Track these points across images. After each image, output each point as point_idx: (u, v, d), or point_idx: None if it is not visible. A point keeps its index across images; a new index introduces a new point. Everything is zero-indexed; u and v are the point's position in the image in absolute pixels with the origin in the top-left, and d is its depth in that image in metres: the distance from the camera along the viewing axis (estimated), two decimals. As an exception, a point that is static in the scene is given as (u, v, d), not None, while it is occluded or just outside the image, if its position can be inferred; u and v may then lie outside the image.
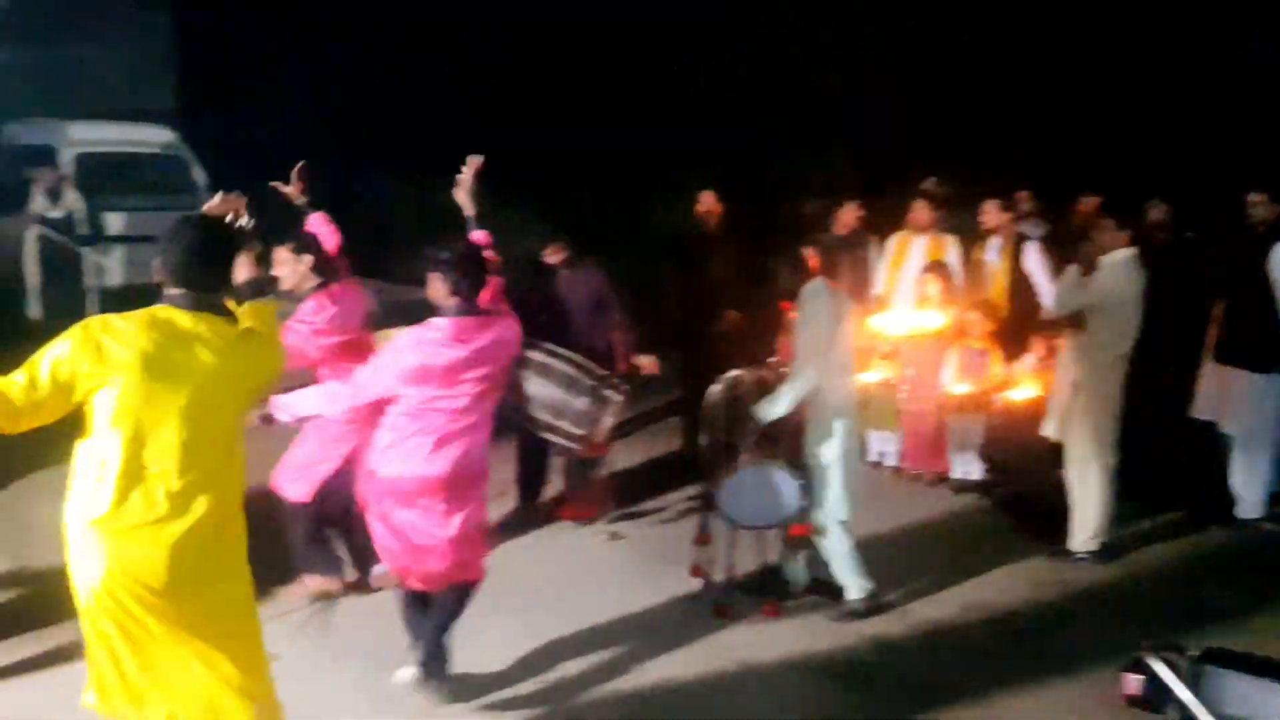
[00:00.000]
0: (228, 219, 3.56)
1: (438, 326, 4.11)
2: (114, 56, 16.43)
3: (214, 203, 3.59)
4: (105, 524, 3.04)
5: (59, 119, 11.33)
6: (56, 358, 2.99)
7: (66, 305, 7.88)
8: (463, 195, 4.68)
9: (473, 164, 4.68)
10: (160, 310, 3.15)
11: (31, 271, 8.17)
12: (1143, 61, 12.37)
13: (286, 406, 4.18)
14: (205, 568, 3.15)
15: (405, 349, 4.08)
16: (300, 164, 5.30)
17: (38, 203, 8.28)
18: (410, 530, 4.19)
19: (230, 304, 3.34)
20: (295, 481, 5.10)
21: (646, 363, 6.50)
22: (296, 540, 5.26)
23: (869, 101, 14.28)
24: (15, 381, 2.97)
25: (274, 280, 4.18)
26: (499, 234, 4.63)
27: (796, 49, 14.52)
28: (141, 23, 17.26)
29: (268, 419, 4.18)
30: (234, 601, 3.30)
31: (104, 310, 3.23)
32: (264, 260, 3.78)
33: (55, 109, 12.28)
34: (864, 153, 12.28)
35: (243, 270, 3.53)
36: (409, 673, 4.37)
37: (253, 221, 3.65)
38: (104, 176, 10.28)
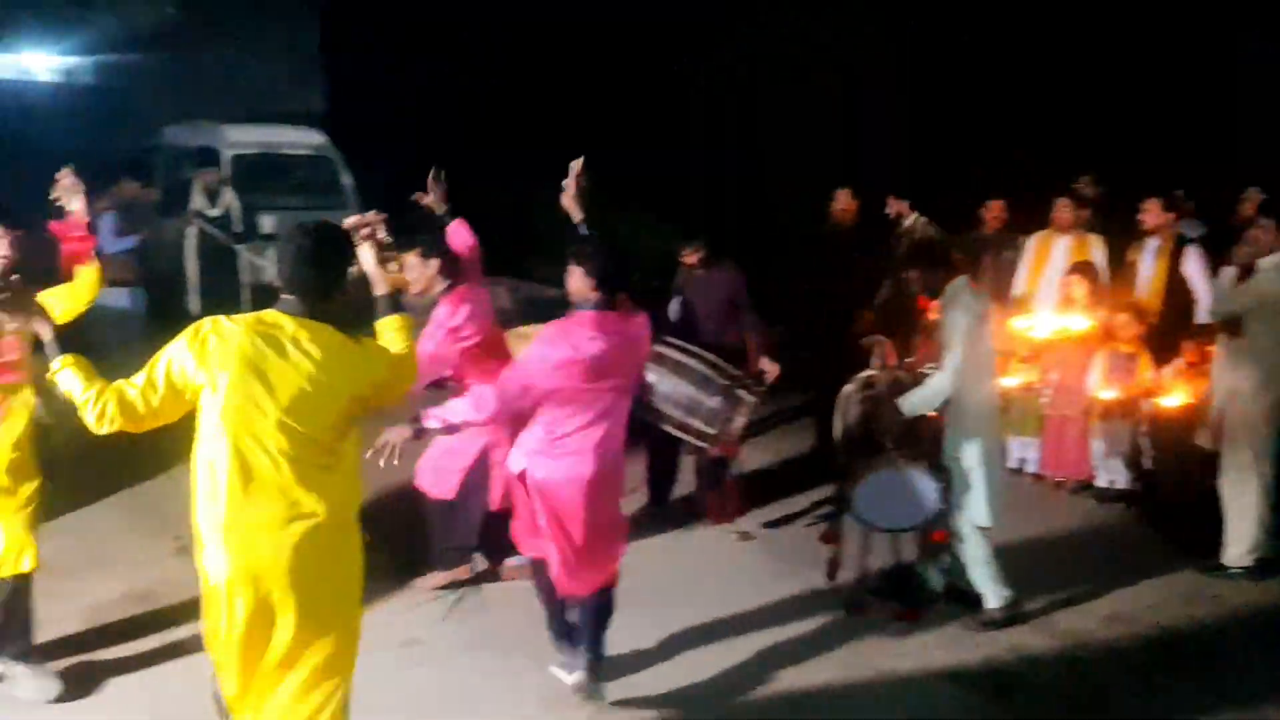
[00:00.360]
0: (362, 231, 3.59)
1: (581, 320, 4.15)
2: (266, 61, 17.14)
3: (351, 221, 3.61)
4: (219, 527, 3.10)
5: (217, 121, 11.88)
6: (169, 359, 3.09)
7: (223, 300, 8.24)
8: (568, 201, 4.68)
9: (574, 169, 4.67)
10: (268, 314, 3.19)
11: (191, 267, 8.59)
12: (1142, 60, 12.13)
13: (438, 416, 4.20)
14: (311, 576, 3.15)
15: (550, 342, 4.10)
16: (435, 171, 5.38)
17: (197, 201, 8.69)
18: (554, 530, 4.23)
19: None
20: (437, 479, 5.23)
21: (770, 367, 6.45)
22: (433, 535, 5.40)
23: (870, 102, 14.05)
24: (135, 384, 3.08)
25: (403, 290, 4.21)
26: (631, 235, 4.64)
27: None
28: (292, 30, 17.95)
29: (420, 433, 4.24)
30: (338, 613, 3.27)
31: (256, 305, 3.33)
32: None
33: (213, 112, 12.88)
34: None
35: (379, 284, 3.56)
36: (578, 677, 4.38)
37: (390, 239, 3.68)
38: (258, 177, 10.75)
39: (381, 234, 3.66)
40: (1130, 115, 11.98)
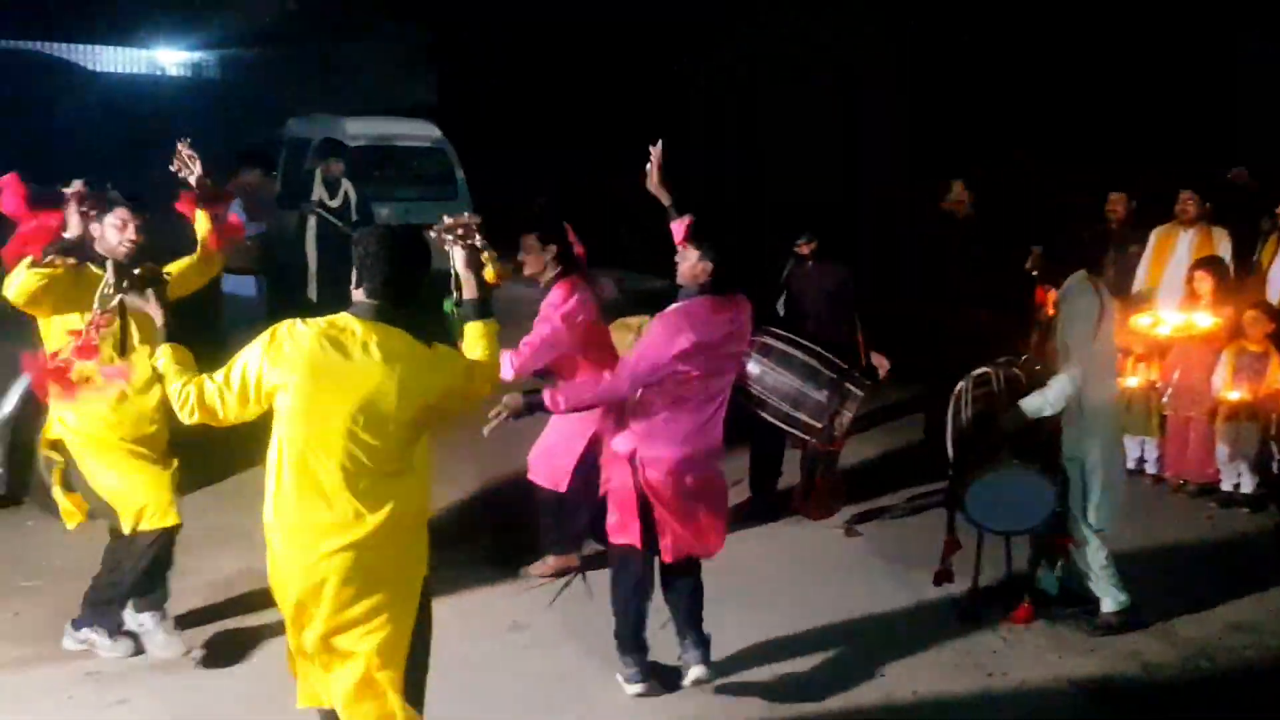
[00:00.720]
0: (458, 232, 3.55)
1: (699, 304, 4.16)
2: (379, 56, 17.53)
3: (448, 223, 3.58)
4: (275, 525, 3.16)
5: (336, 114, 12.19)
6: (245, 363, 3.13)
7: (341, 289, 8.43)
8: (653, 185, 4.61)
9: (655, 154, 4.60)
10: (340, 318, 3.17)
11: (312, 257, 8.80)
12: (1142, 60, 11.93)
13: (563, 398, 4.22)
14: (363, 581, 3.15)
15: (672, 326, 4.12)
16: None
17: (318, 192, 8.91)
18: (663, 510, 4.24)
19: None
20: (549, 471, 5.29)
21: (881, 361, 6.37)
22: (547, 523, 5.46)
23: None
24: (216, 379, 3.15)
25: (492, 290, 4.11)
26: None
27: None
28: (405, 25, 18.32)
29: (534, 408, 4.21)
30: (392, 617, 3.23)
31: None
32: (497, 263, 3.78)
33: (332, 104, 13.24)
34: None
35: (469, 288, 3.52)
36: (700, 671, 4.35)
37: (485, 243, 3.62)
38: (375, 168, 11.01)
39: (475, 238, 3.58)
40: (1130, 115, 11.84)
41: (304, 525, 3.12)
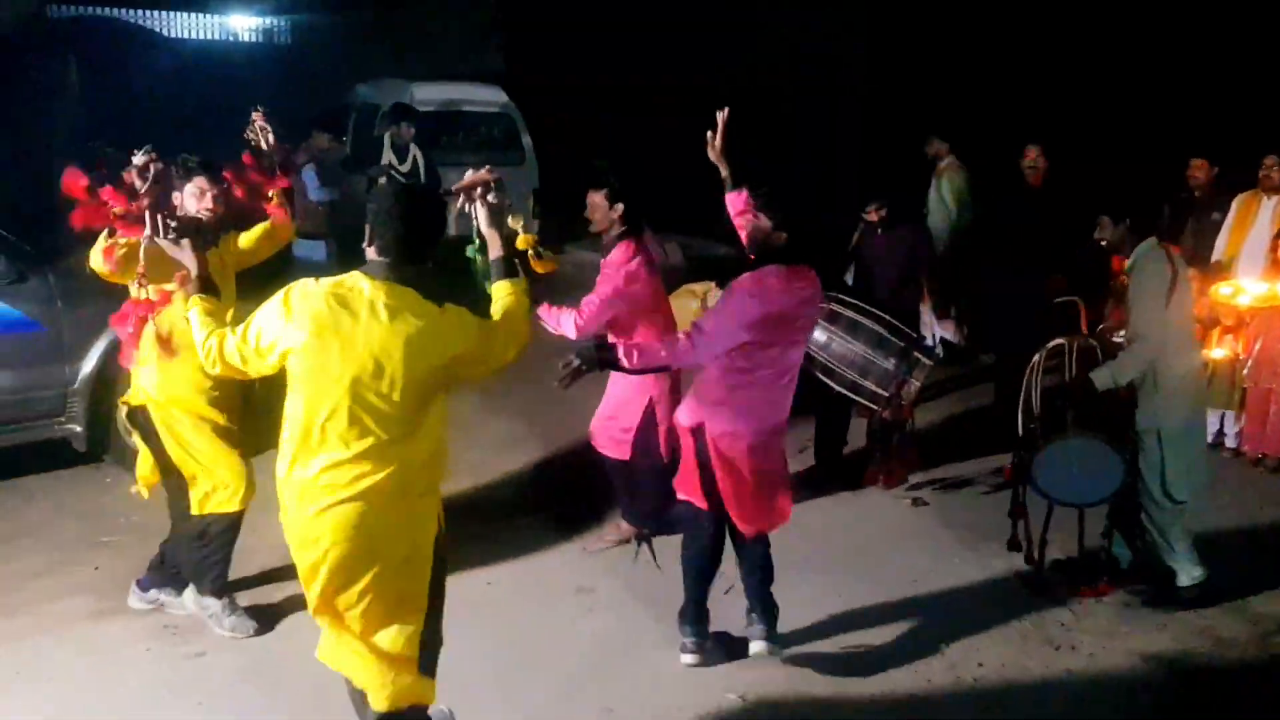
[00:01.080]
0: (474, 191, 3.51)
1: (774, 271, 4.11)
2: (448, 22, 17.52)
3: (465, 180, 3.55)
4: (285, 483, 3.16)
5: (404, 79, 12.23)
6: (260, 324, 3.13)
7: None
8: (714, 155, 4.54)
9: (720, 121, 4.53)
10: (350, 277, 3.12)
11: (381, 222, 8.87)
12: (1143, 59, 11.79)
13: (638, 356, 4.12)
14: (365, 544, 3.12)
15: (748, 295, 4.07)
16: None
17: (387, 157, 8.98)
18: (727, 478, 4.23)
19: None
20: (611, 439, 5.28)
21: (953, 329, 6.30)
22: (617, 491, 5.47)
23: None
24: (236, 334, 3.19)
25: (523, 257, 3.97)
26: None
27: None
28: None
29: (605, 364, 4.07)
30: (400, 583, 3.20)
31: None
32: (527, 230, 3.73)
33: (400, 70, 13.26)
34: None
35: (494, 247, 3.45)
36: (764, 646, 4.37)
37: (507, 200, 3.56)
38: (442, 133, 11.05)
39: (492, 194, 3.54)
40: (1132, 113, 11.70)
41: (310, 484, 3.11)
